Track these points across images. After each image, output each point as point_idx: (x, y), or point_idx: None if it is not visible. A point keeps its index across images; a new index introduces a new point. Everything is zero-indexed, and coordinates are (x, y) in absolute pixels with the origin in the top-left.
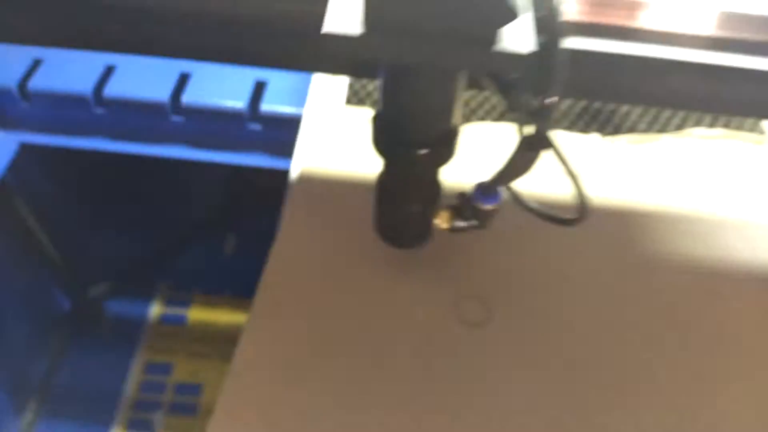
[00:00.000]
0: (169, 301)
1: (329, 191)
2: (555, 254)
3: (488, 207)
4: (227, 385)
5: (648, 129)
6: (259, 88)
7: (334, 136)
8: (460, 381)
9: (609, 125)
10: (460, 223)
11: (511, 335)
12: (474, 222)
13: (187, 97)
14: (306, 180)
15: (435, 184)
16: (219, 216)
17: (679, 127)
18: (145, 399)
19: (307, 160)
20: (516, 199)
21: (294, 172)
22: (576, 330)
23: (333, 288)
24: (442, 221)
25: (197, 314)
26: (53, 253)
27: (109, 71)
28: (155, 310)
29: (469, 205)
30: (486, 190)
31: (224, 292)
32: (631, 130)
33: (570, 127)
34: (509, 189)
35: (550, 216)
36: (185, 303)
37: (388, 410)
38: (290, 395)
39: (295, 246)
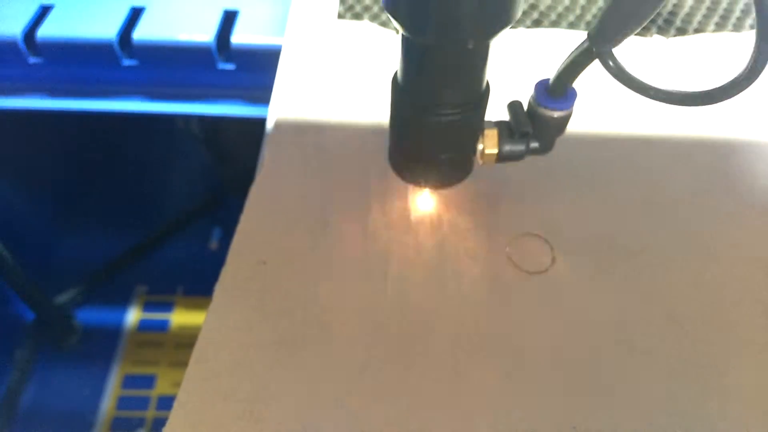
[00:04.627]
0: (147, 306)
1: (323, 122)
2: (634, 180)
3: (558, 113)
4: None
5: (719, 29)
6: (229, 19)
7: (325, 55)
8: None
9: (670, 28)
10: (514, 147)
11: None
12: (534, 144)
13: (140, 34)
14: (291, 109)
15: (474, 130)
16: (201, 207)
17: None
18: (124, 416)
19: (291, 85)
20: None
21: (275, 102)
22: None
23: (333, 240)
24: (487, 145)
25: (181, 318)
26: (8, 257)
27: (44, 12)
28: (132, 316)
29: (531, 111)
30: (554, 89)
31: (210, 292)
32: (699, 31)
33: None
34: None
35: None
36: (166, 307)
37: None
38: (279, 378)
39: (278, 190)
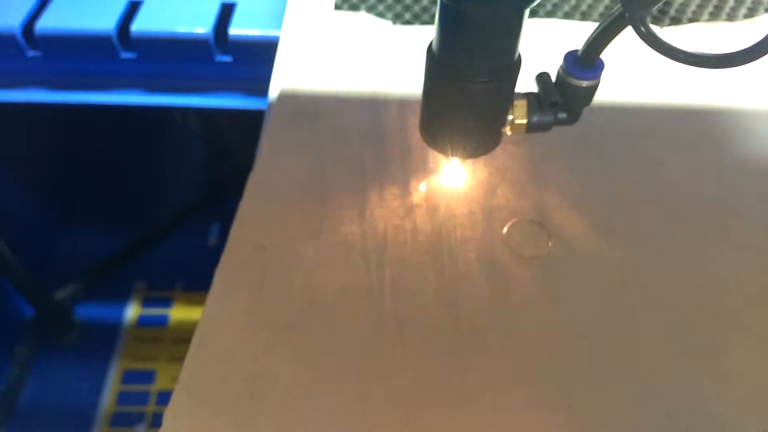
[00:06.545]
0: (146, 302)
1: (320, 110)
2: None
3: (587, 83)
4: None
5: (713, 18)
6: (227, 12)
7: (322, 46)
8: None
9: (665, 17)
10: (543, 117)
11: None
12: (562, 114)
13: (138, 27)
14: (289, 98)
15: (504, 99)
16: (200, 203)
17: (750, 14)
18: (124, 411)
19: (288, 76)
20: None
21: (273, 92)
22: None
23: (330, 225)
24: (516, 115)
25: (180, 314)
26: (8, 252)
27: (42, 5)
28: (132, 311)
29: (560, 81)
30: (584, 59)
31: (209, 288)
32: (693, 20)
33: None
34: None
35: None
36: (165, 302)
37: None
38: (278, 360)
39: (276, 177)
